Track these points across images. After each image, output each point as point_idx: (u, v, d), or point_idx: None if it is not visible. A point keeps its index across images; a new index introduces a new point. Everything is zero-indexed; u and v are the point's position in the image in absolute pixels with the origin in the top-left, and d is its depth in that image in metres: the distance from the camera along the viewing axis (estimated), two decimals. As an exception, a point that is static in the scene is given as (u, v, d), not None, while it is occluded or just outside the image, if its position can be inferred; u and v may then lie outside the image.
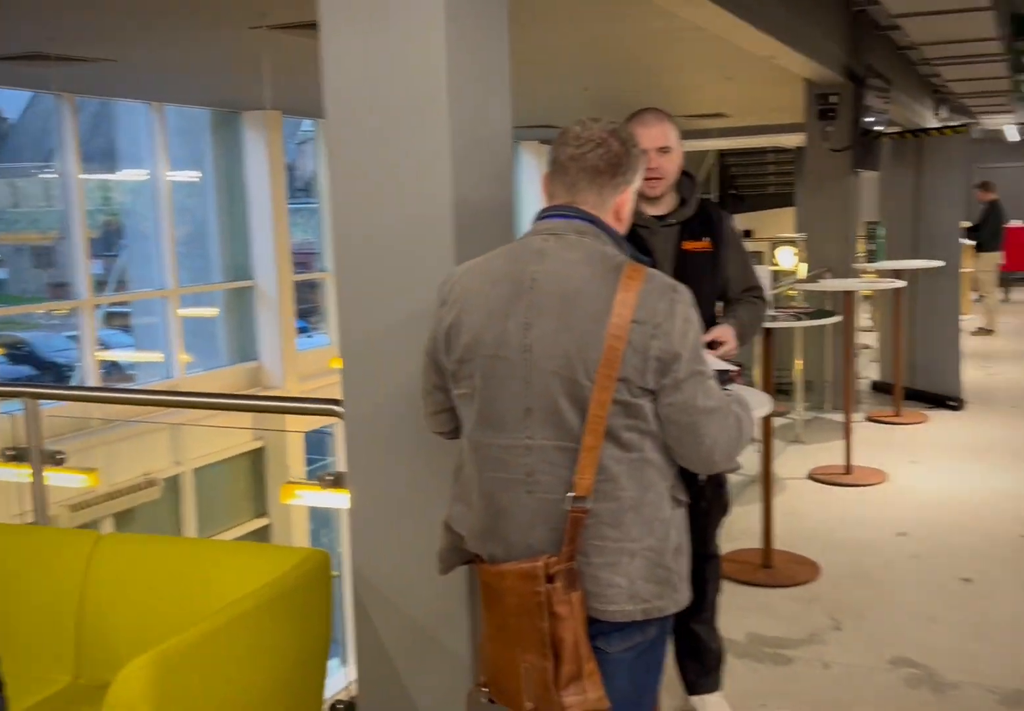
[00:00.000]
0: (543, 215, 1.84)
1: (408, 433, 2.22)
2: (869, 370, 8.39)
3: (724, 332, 2.63)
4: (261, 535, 9.56)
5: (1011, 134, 15.93)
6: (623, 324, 1.67)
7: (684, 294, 1.75)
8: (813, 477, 5.62)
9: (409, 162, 2.13)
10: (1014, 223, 14.34)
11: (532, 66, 7.24)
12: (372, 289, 2.22)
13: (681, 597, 1.81)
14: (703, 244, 2.72)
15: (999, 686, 3.15)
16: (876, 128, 7.24)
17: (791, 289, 6.60)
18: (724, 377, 2.15)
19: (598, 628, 1.74)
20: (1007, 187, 15.07)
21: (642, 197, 1.89)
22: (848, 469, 5.62)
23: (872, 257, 7.53)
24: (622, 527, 1.73)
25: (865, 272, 7.56)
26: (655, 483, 1.77)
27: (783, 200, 16.61)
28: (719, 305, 2.83)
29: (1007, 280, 14.80)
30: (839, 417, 6.28)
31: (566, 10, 5.79)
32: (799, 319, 5.14)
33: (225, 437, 8.70)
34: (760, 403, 2.50)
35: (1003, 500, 5.11)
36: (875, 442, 6.26)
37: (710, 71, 8.58)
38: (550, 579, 1.69)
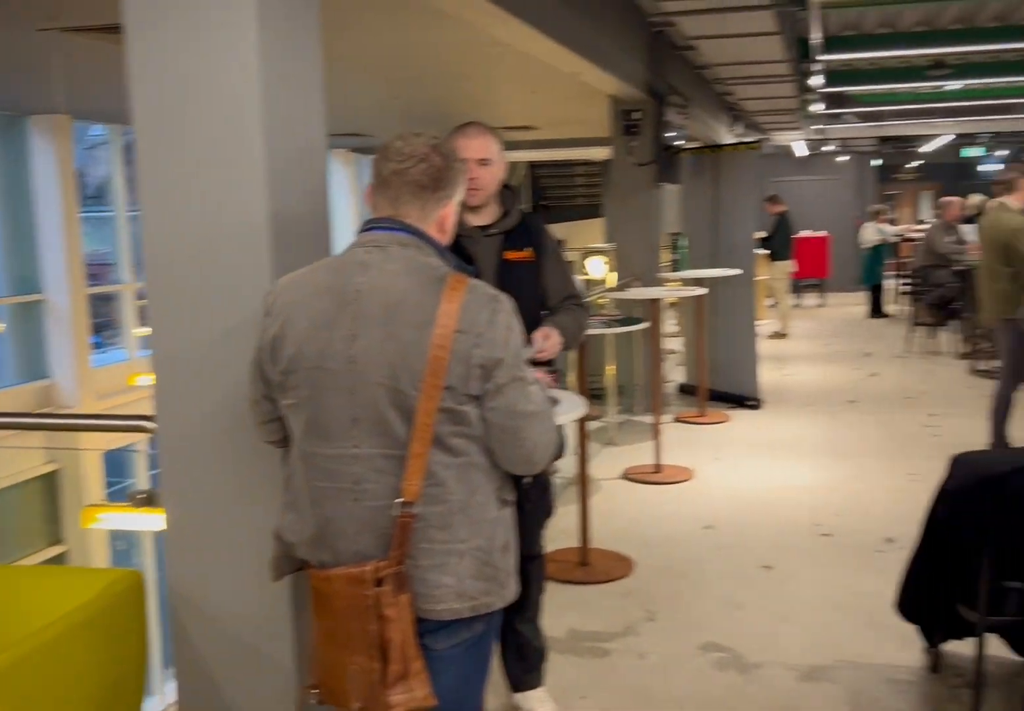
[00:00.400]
0: (366, 228, 1.87)
1: (224, 446, 2.20)
2: (675, 374, 8.78)
3: (549, 330, 2.72)
4: (56, 563, 9.04)
5: (799, 150, 17.05)
6: (447, 334, 1.73)
7: (505, 303, 1.82)
8: (626, 477, 5.84)
9: (223, 171, 2.11)
10: (803, 233, 15.33)
11: (341, 75, 7.20)
12: (186, 301, 2.19)
13: (508, 593, 1.88)
14: (525, 254, 2.81)
15: (798, 664, 3.39)
16: (676, 143, 7.60)
17: (602, 297, 6.84)
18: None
19: (425, 626, 1.79)
20: (795, 200, 16.12)
21: (465, 207, 1.95)
22: (658, 468, 5.88)
23: (676, 266, 7.89)
24: (450, 529, 1.78)
25: (670, 281, 7.92)
26: (482, 485, 1.83)
27: (592, 211, 17.13)
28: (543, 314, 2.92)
29: (798, 287, 15.84)
30: (649, 419, 6.55)
31: (375, 19, 5.81)
32: (610, 326, 5.34)
33: (12, 462, 8.20)
34: (576, 406, 2.60)
35: (799, 492, 5.46)
36: (682, 442, 6.57)
37: (518, 85, 8.77)
38: (379, 583, 1.73)
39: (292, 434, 1.88)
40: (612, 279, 7.54)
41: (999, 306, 5.63)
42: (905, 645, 3.45)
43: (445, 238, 1.92)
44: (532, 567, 2.77)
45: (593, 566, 4.33)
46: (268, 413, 1.94)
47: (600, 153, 15.22)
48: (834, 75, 9.88)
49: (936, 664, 3.32)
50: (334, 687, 1.82)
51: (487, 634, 1.91)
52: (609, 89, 6.76)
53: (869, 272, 13.99)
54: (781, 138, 15.27)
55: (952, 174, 21.68)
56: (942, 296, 10.20)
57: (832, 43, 8.31)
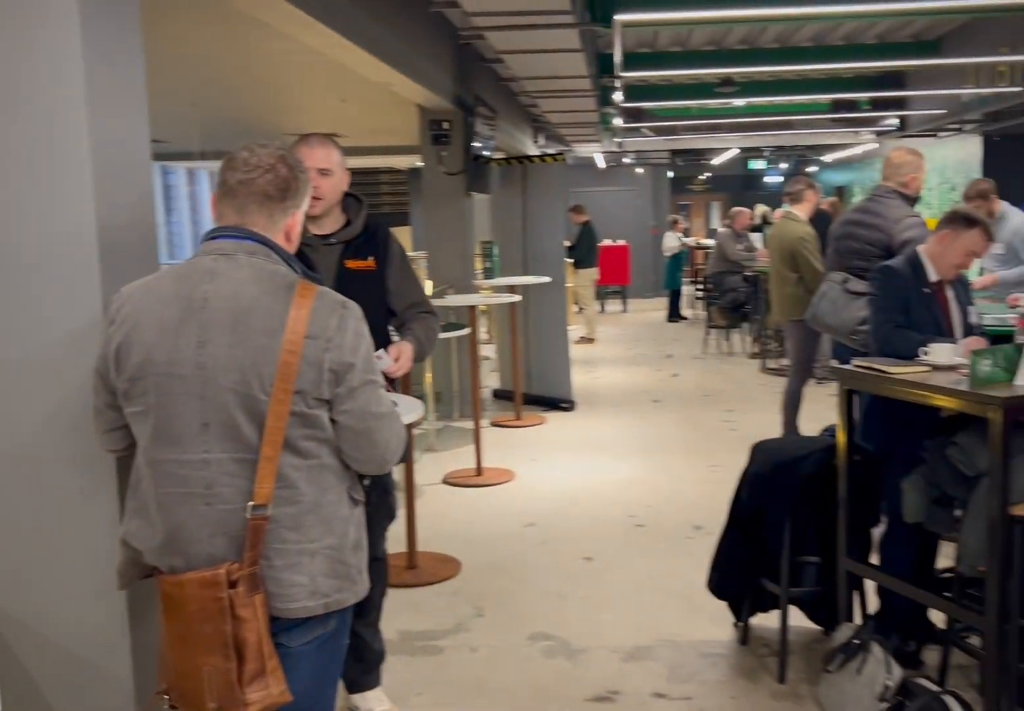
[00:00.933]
0: (212, 236, 1.89)
1: (54, 457, 2.14)
2: (490, 380, 8.96)
3: (403, 348, 2.77)
4: None
5: (599, 161, 17.70)
6: (297, 340, 1.77)
7: (354, 310, 1.88)
8: (448, 481, 5.94)
9: (49, 182, 2.07)
10: (606, 242, 15.93)
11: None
12: (15, 311, 2.12)
13: (360, 589, 1.93)
14: (367, 263, 2.86)
15: (621, 646, 3.58)
16: (485, 154, 7.78)
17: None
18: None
19: (280, 625, 1.82)
20: (597, 209, 16.72)
21: (305, 216, 1.99)
22: (479, 471, 6.01)
23: (488, 274, 8.05)
24: (302, 529, 1.83)
25: (484, 288, 8.08)
26: (333, 486, 1.88)
27: (399, 219, 17.19)
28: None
29: (602, 293, 16.44)
30: (467, 424, 6.68)
31: (173, 25, 5.70)
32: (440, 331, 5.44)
33: None
34: (414, 408, 2.69)
35: (613, 488, 5.72)
36: (501, 445, 6.74)
37: (326, 93, 8.74)
38: (233, 584, 1.75)
39: (138, 442, 1.87)
40: (427, 287, 7.63)
41: (788, 309, 6.06)
42: (717, 622, 3.70)
43: (291, 247, 1.96)
44: (373, 570, 2.81)
45: (421, 568, 4.40)
46: (112, 422, 1.92)
47: (406, 161, 15.30)
48: (631, 90, 10.37)
49: (745, 637, 3.58)
50: (187, 689, 1.81)
51: (340, 630, 1.96)
52: (418, 99, 6.86)
53: (670, 278, 14.72)
54: (583, 149, 15.81)
55: (739, 185, 23.01)
56: (734, 300, 10.87)
57: (629, 59, 8.74)
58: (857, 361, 3.27)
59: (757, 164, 20.91)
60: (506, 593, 4.14)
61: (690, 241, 14.99)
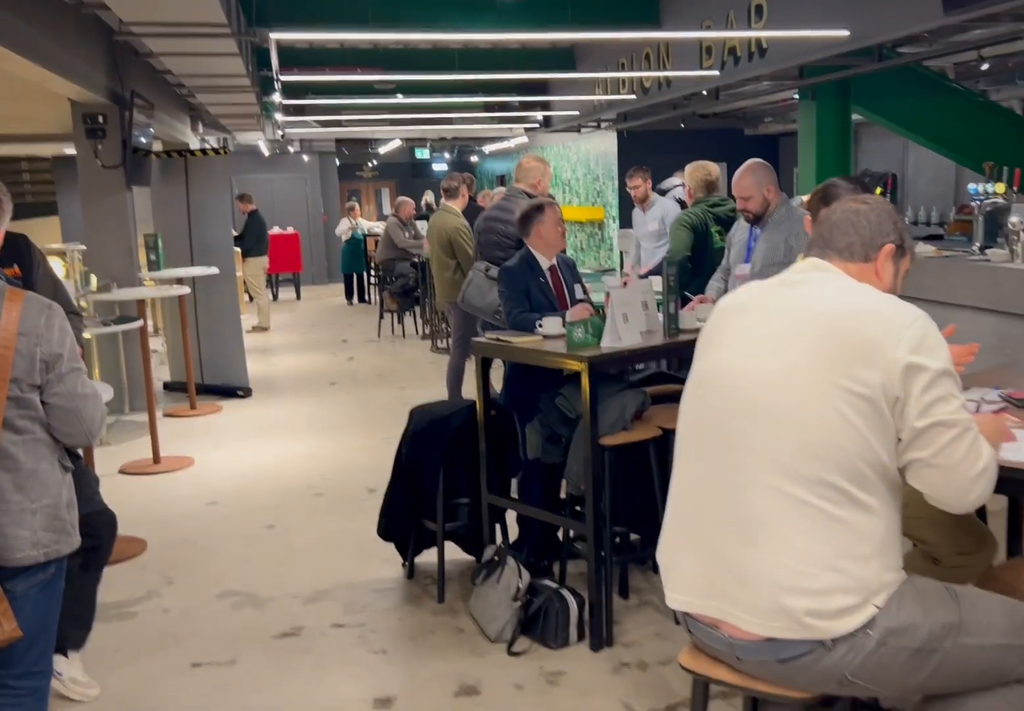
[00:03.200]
0: None
1: None
2: (159, 372, 8.95)
3: None
4: None
5: (264, 149, 17.72)
6: (10, 337, 2.15)
7: (57, 310, 2.28)
8: (125, 471, 6.04)
9: None
10: (275, 231, 16.06)
11: None
12: None
13: (75, 540, 2.35)
14: (14, 270, 3.10)
15: (301, 593, 4.03)
16: (143, 146, 7.80)
17: (83, 300, 6.88)
18: None
19: (6, 573, 2.20)
20: (265, 197, 16.78)
21: None
22: (156, 459, 6.16)
23: (153, 267, 8.06)
24: (23, 491, 2.22)
25: (149, 281, 8.10)
26: (47, 456, 2.29)
27: (45, 209, 16.31)
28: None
29: (274, 282, 16.56)
30: (139, 417, 6.77)
31: None
32: (108, 325, 5.57)
33: None
34: (107, 390, 3.01)
35: (292, 464, 6.11)
36: (178, 435, 6.89)
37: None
38: None
39: None
40: (91, 281, 7.55)
41: (448, 292, 6.71)
42: (388, 563, 4.25)
43: None
44: (104, 520, 3.18)
45: (106, 550, 4.57)
46: None
47: (50, 149, 14.52)
48: (292, 87, 10.64)
49: (411, 572, 4.15)
50: None
51: (58, 576, 2.35)
52: (70, 95, 6.79)
53: (345, 262, 15.17)
54: (245, 138, 15.79)
55: (408, 172, 23.86)
56: (404, 285, 11.52)
57: (286, 56, 9.05)
58: (490, 334, 3.92)
59: (423, 154, 21.83)
60: (193, 563, 4.45)
61: (365, 226, 15.46)
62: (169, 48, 6.39)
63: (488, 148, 19.94)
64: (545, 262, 4.23)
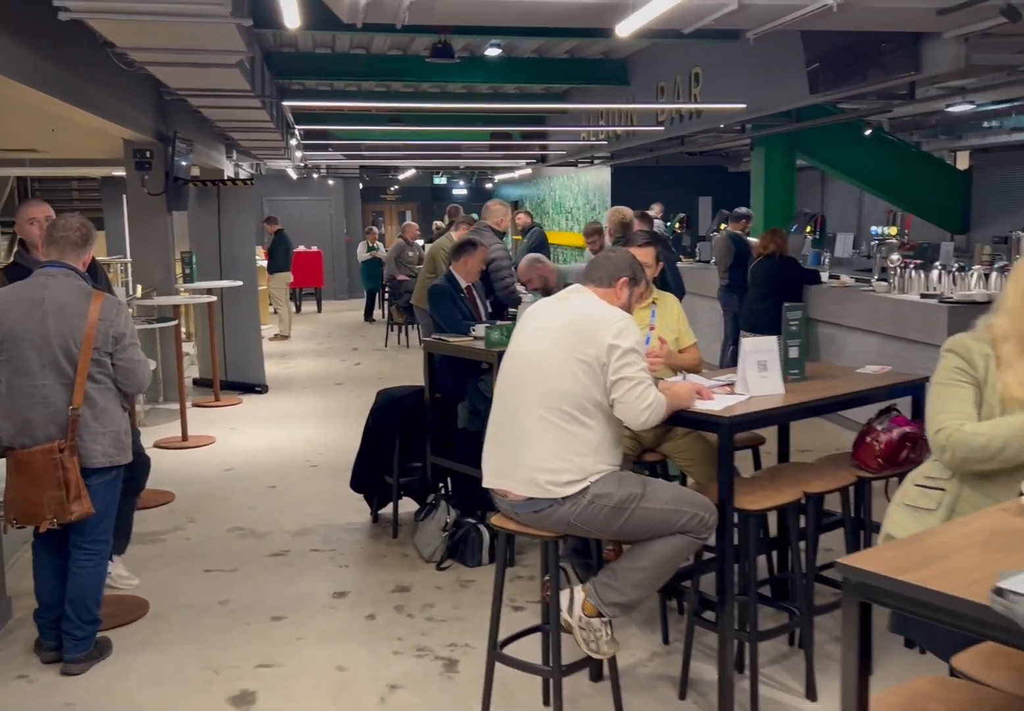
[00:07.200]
0: (43, 266, 3.51)
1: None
2: (190, 371, 10.27)
3: None
4: None
5: (292, 173, 19.14)
6: (94, 322, 3.43)
7: (124, 305, 3.56)
8: (158, 446, 7.32)
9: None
10: (300, 248, 17.40)
11: None
12: None
13: (129, 455, 3.63)
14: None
15: (291, 529, 5.31)
16: (182, 178, 9.14)
17: (130, 307, 8.21)
18: None
19: (86, 473, 3.47)
20: (293, 218, 18.16)
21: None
22: (185, 437, 7.45)
23: (188, 279, 9.38)
24: (98, 420, 3.49)
25: (184, 290, 9.43)
26: (113, 399, 3.57)
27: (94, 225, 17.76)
28: None
29: (298, 295, 17.92)
30: (171, 406, 8.06)
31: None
32: (152, 324, 6.94)
33: None
34: (152, 362, 4.25)
35: (296, 443, 7.39)
36: (203, 420, 8.19)
37: (38, 125, 9.66)
38: (61, 451, 3.38)
39: (3, 375, 3.44)
40: (137, 289, 8.89)
41: (423, 295, 7.98)
42: (359, 513, 5.51)
43: (85, 270, 3.60)
44: (141, 462, 4.36)
45: (142, 499, 5.83)
46: None
47: (98, 171, 15.92)
48: (313, 117, 12.00)
49: (375, 518, 5.41)
50: (31, 513, 3.42)
51: (118, 478, 3.65)
52: (124, 135, 8.14)
53: (367, 279, 16.27)
54: (274, 164, 17.19)
55: (428, 196, 25.27)
56: (409, 300, 12.80)
57: (306, 93, 10.43)
58: (435, 335, 5.19)
59: (440, 180, 23.25)
60: (210, 509, 5.72)
61: (380, 253, 16.61)
62: (206, 104, 7.74)
63: (497, 177, 21.37)
64: (464, 283, 5.56)
